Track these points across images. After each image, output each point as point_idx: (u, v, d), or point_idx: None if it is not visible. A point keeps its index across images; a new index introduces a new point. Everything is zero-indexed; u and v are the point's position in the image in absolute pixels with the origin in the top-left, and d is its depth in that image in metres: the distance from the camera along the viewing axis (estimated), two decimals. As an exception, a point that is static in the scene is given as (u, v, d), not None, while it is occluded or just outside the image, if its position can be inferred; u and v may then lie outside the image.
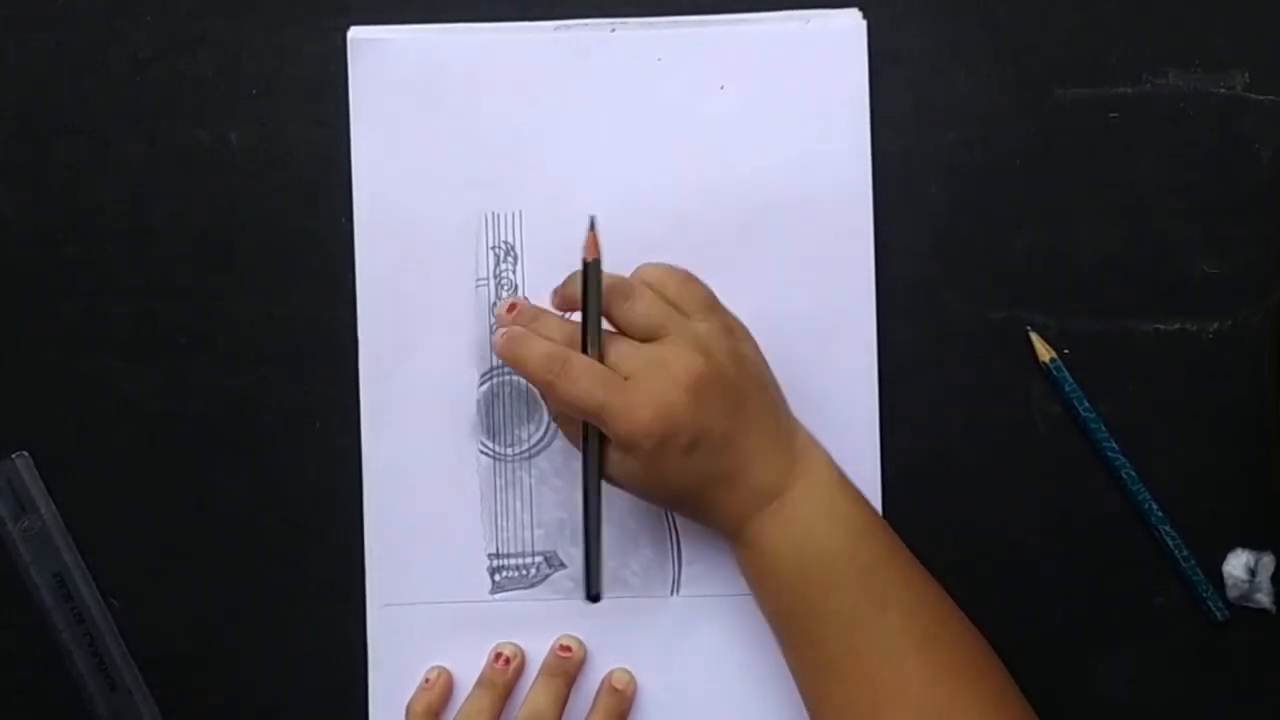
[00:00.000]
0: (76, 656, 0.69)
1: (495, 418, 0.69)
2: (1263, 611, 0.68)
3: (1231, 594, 0.68)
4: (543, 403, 0.68)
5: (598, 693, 0.68)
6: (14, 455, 0.69)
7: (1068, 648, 0.68)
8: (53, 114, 0.70)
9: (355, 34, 0.69)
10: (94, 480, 0.70)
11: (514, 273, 0.68)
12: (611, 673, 0.69)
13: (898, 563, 0.63)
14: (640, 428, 0.59)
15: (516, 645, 0.69)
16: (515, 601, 0.69)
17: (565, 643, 0.68)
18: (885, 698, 0.60)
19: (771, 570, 0.62)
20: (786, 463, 0.62)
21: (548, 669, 0.68)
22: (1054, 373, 0.68)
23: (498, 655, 0.68)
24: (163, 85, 0.69)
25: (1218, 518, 0.68)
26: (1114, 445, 0.68)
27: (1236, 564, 0.67)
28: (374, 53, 0.68)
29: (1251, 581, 0.67)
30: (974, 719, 0.60)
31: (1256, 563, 0.67)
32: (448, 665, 0.69)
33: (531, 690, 0.68)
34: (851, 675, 0.61)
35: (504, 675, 0.68)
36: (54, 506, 0.69)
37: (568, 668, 0.68)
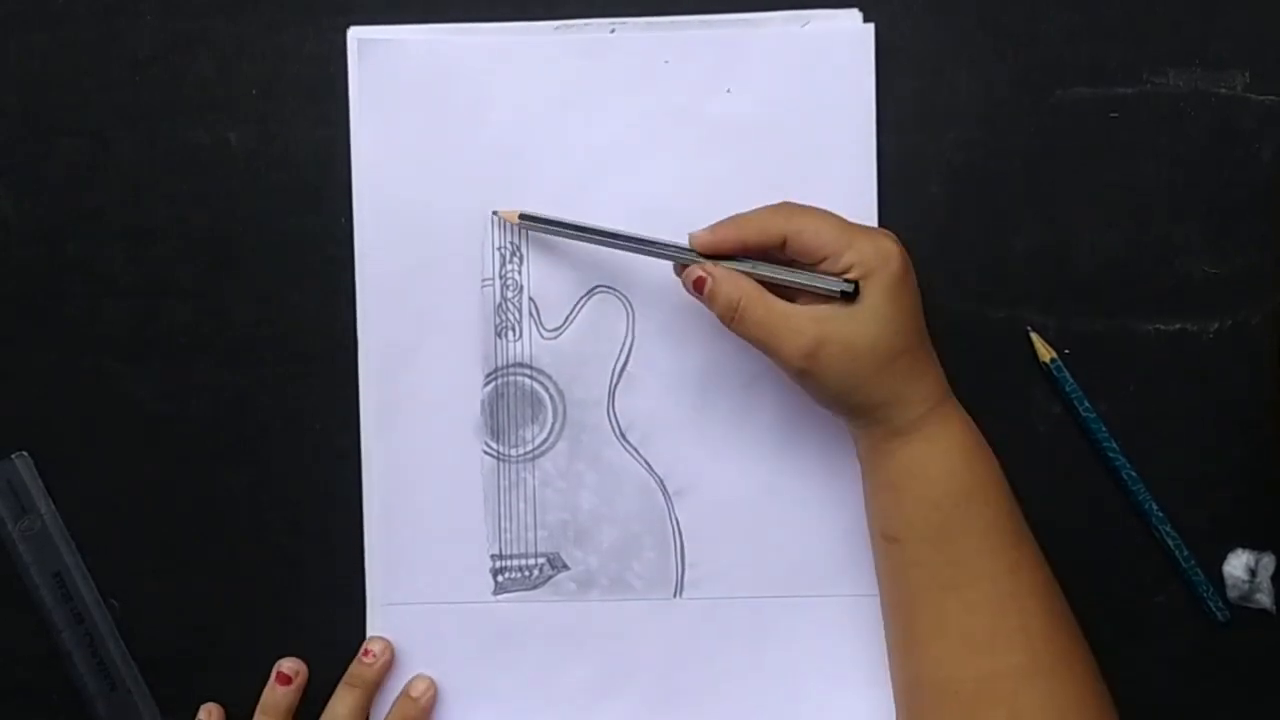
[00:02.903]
0: (76, 657, 0.69)
1: (500, 418, 0.69)
2: (1263, 612, 0.68)
3: (1232, 594, 0.68)
4: (547, 404, 0.68)
5: (396, 699, 0.68)
6: (14, 455, 0.69)
7: (1068, 647, 0.68)
8: (53, 114, 0.69)
9: (355, 34, 0.69)
10: (94, 480, 0.69)
11: (519, 273, 0.68)
12: (411, 681, 0.68)
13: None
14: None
15: (385, 640, 0.68)
16: (517, 603, 0.69)
17: (370, 646, 0.68)
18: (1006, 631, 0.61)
19: (946, 455, 0.62)
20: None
21: (348, 677, 0.68)
22: (1054, 373, 0.68)
23: (365, 650, 0.68)
24: (163, 85, 0.69)
25: (1218, 518, 0.68)
26: (1114, 445, 0.68)
27: (1237, 564, 0.68)
28: (374, 53, 0.68)
29: (1252, 582, 0.67)
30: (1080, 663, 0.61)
31: (1257, 563, 0.68)
32: (447, 667, 0.69)
33: (330, 701, 0.67)
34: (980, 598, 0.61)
35: (370, 671, 0.67)
36: (54, 506, 0.69)
37: (368, 675, 0.67)
